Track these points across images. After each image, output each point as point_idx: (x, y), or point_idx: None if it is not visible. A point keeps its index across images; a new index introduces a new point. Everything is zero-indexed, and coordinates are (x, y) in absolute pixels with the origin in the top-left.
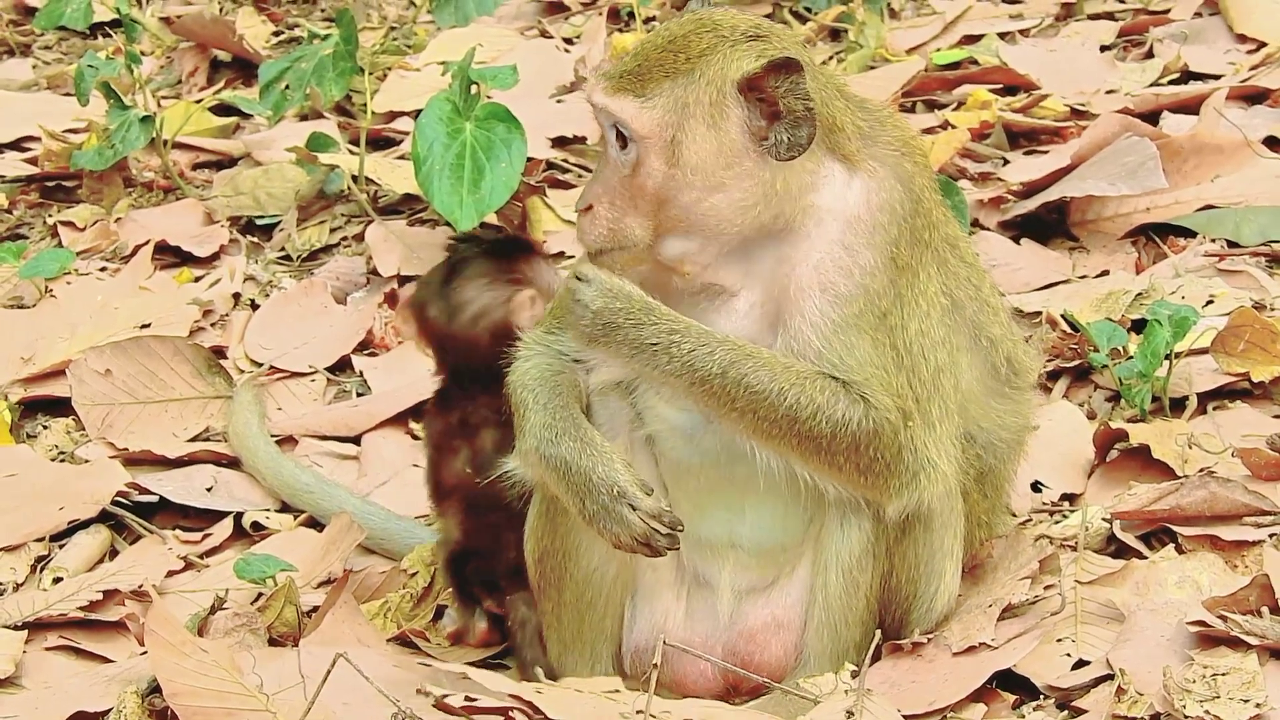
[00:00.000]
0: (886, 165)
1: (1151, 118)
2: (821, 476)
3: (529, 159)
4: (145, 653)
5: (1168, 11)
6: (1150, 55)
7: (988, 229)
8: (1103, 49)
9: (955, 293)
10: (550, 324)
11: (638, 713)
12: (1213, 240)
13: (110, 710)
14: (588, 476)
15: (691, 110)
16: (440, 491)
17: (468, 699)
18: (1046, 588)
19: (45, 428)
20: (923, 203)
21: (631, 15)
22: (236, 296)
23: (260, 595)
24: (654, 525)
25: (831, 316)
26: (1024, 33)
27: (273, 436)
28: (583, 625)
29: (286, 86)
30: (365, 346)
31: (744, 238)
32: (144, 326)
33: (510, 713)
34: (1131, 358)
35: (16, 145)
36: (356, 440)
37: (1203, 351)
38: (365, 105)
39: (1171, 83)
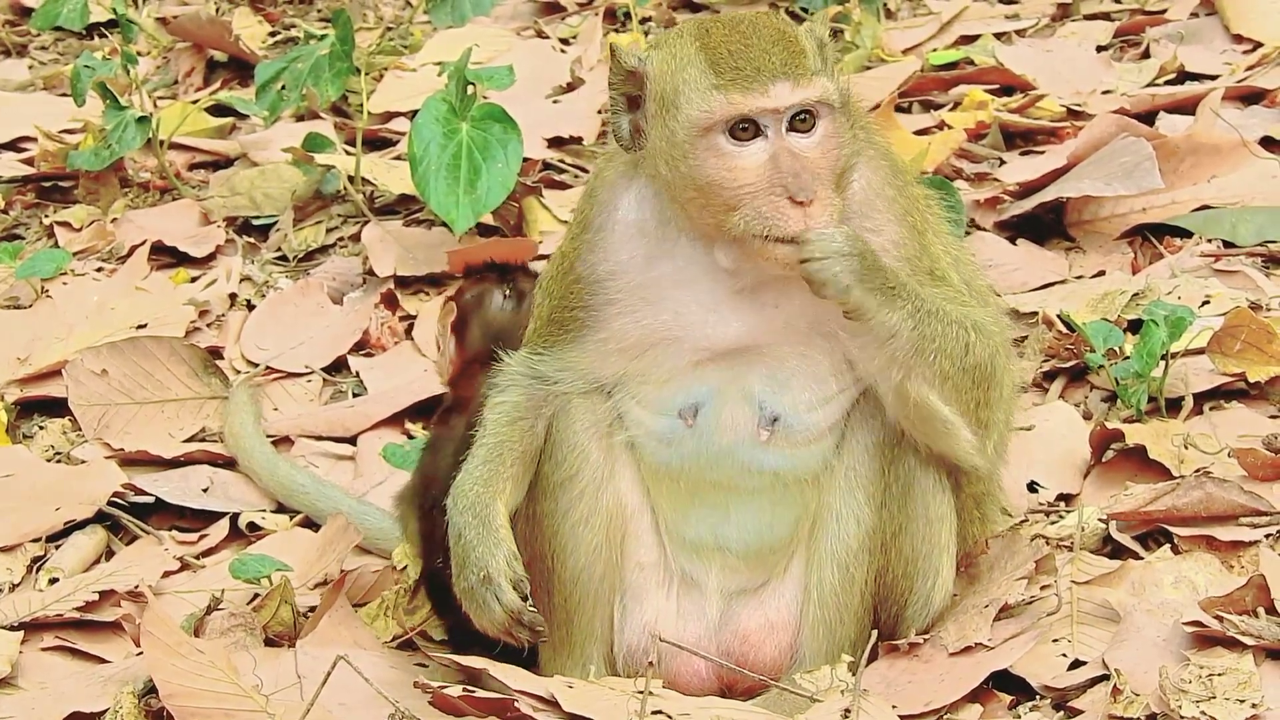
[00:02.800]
0: (877, 146)
1: (1148, 118)
2: (968, 411)
3: (525, 159)
4: (141, 653)
5: (1164, 12)
6: (1146, 55)
7: (984, 229)
8: (1099, 49)
9: (941, 260)
10: (535, 345)
11: (654, 713)
12: (1209, 240)
13: (106, 711)
14: (468, 553)
15: (829, 83)
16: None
17: (466, 691)
18: (1043, 588)
19: (41, 428)
20: (909, 172)
21: (628, 15)
22: (233, 297)
23: (256, 596)
24: (513, 621)
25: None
26: (1020, 33)
27: (269, 437)
28: (572, 627)
29: (283, 87)
30: (361, 347)
31: None
32: (140, 327)
33: (514, 705)
34: (1128, 358)
35: (13, 146)
36: (352, 440)
37: (1199, 352)
38: (361, 106)
39: (1168, 83)
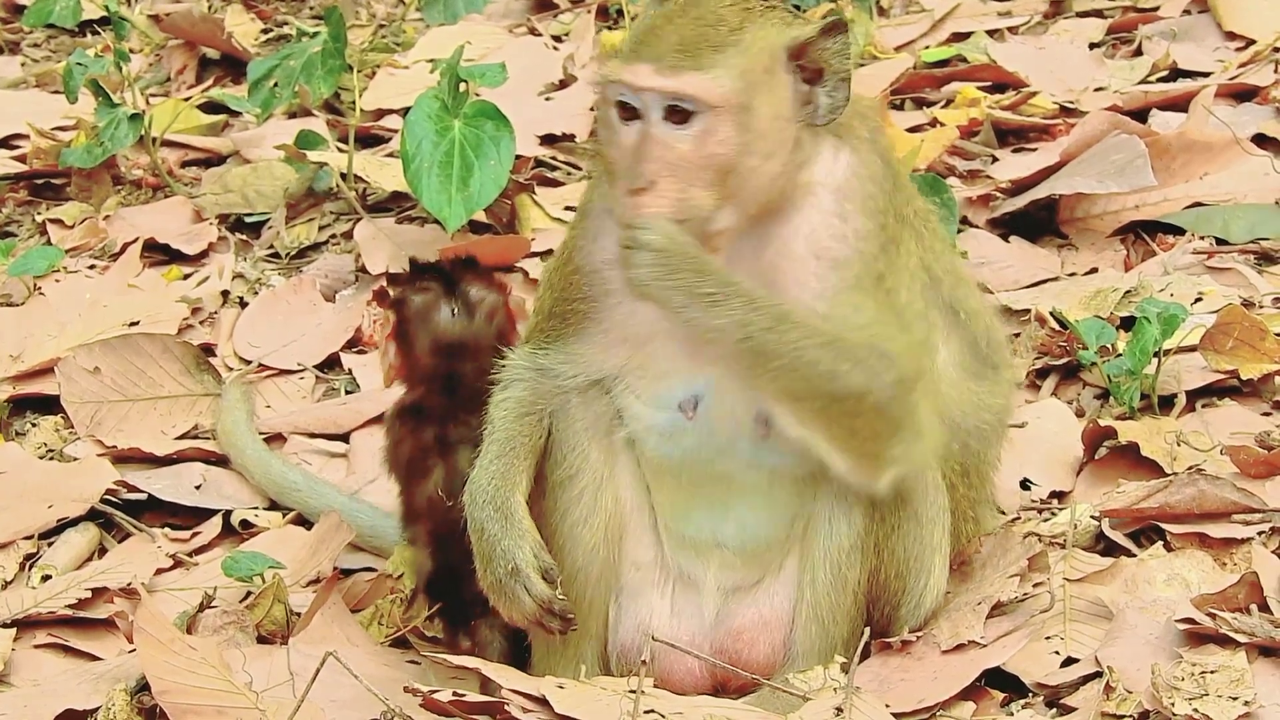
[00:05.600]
0: (866, 140)
1: (1140, 115)
2: (838, 439)
3: (518, 157)
4: (134, 650)
5: (1156, 9)
6: (1139, 53)
7: (977, 227)
8: (1091, 46)
9: (932, 267)
10: (538, 339)
11: (646, 713)
12: (1201, 238)
13: (99, 708)
14: (493, 547)
15: (753, 79)
16: (411, 516)
17: (456, 694)
18: (1035, 585)
19: (34, 425)
20: (900, 176)
21: (620, 13)
22: (225, 294)
23: (249, 594)
24: (544, 611)
25: (832, 281)
26: (1013, 30)
27: (261, 434)
28: None
29: (275, 84)
30: (354, 344)
31: (756, 210)
32: (133, 324)
33: (504, 708)
34: (1120, 355)
35: (5, 143)
36: (345, 438)
37: (1191, 349)
38: (354, 103)
39: (1160, 80)
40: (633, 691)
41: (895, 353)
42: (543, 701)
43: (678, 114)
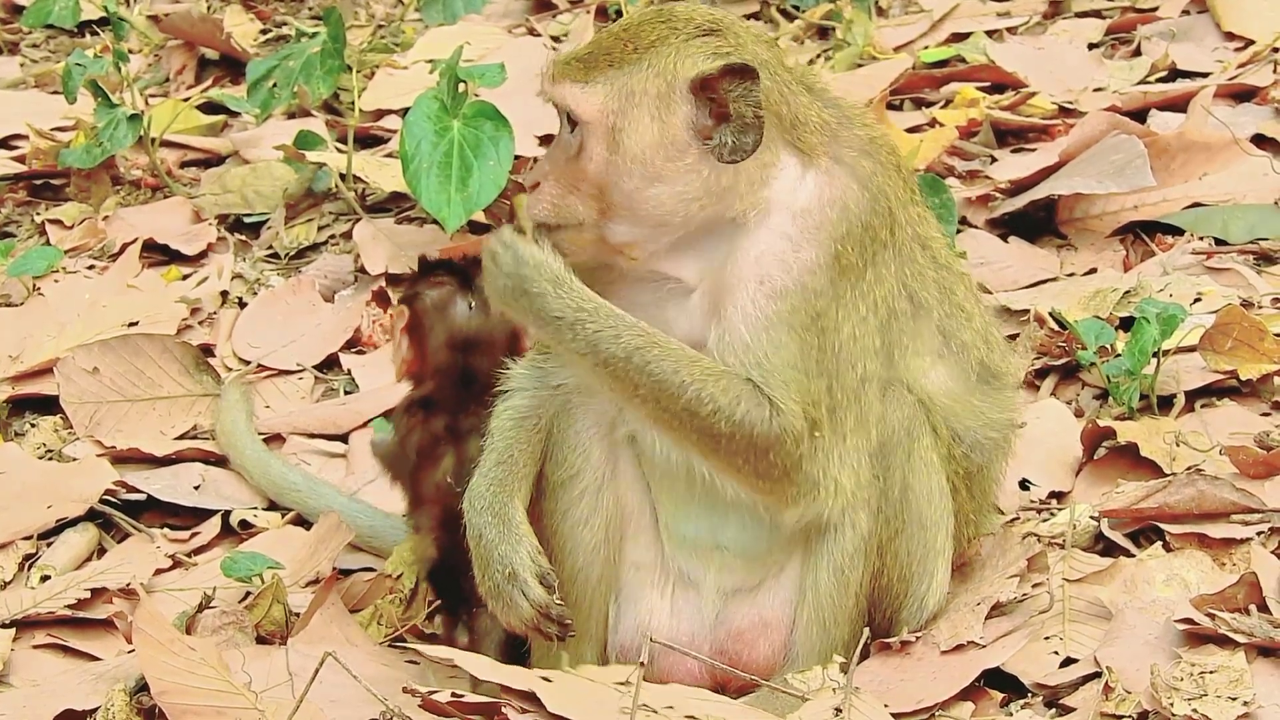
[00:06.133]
0: (844, 163)
1: (1139, 116)
2: (718, 474)
3: (517, 157)
4: (133, 651)
5: (1155, 9)
6: (1138, 53)
7: (976, 227)
8: (1090, 47)
9: (919, 294)
10: (539, 348)
11: (641, 705)
12: (1200, 238)
13: (98, 708)
14: (490, 553)
15: (636, 99)
16: (418, 502)
17: (454, 695)
18: (1034, 586)
19: (33, 426)
20: (880, 200)
21: (619, 13)
22: (224, 294)
23: (248, 594)
24: (541, 616)
25: (765, 309)
26: (1012, 30)
27: (260, 434)
28: None
29: (274, 84)
30: (353, 344)
31: (694, 228)
32: (132, 324)
33: (502, 709)
34: (1119, 355)
35: (4, 143)
36: (344, 438)
37: (1190, 349)
38: (353, 103)
39: (1159, 80)
40: (622, 684)
41: (782, 401)
42: (537, 701)
43: (571, 122)
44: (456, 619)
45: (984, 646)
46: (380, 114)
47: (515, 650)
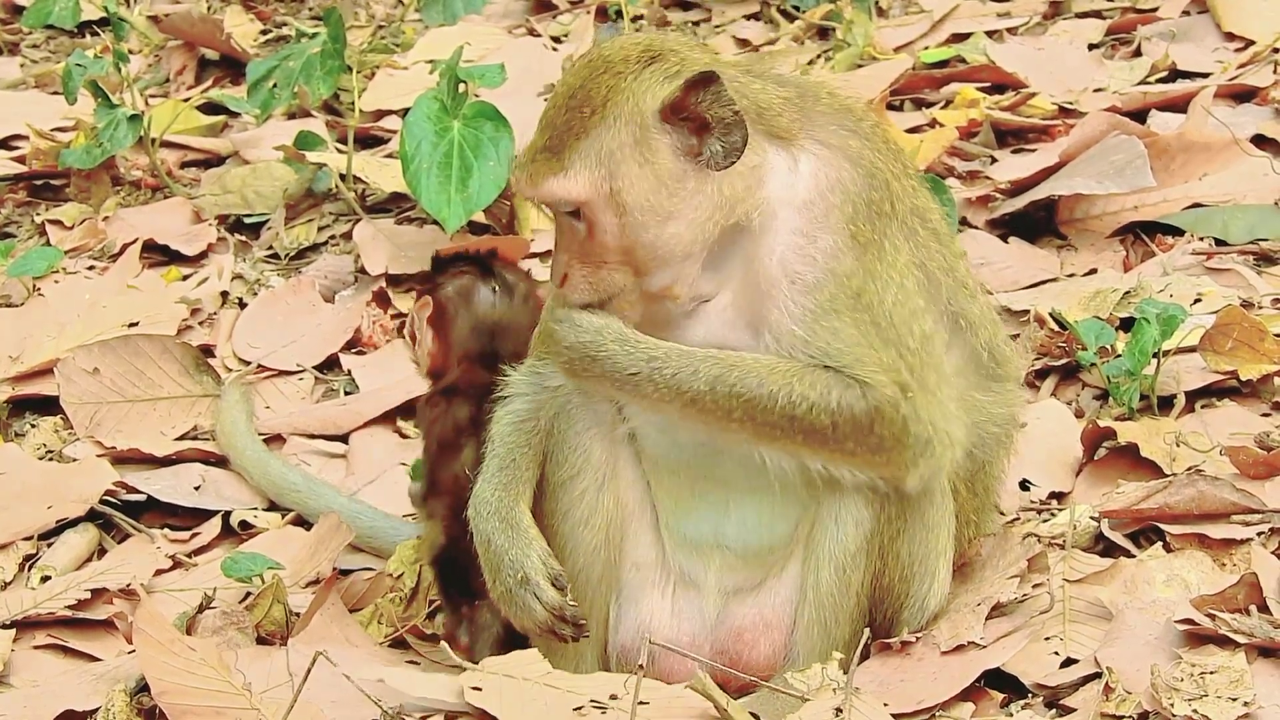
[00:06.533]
0: (831, 145)
1: (1139, 116)
2: (836, 465)
3: (517, 157)
4: (134, 651)
5: (1155, 10)
6: (1138, 53)
7: (976, 227)
8: (1090, 47)
9: (927, 265)
10: (540, 351)
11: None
12: (1201, 238)
13: (99, 709)
14: (501, 558)
15: (618, 157)
16: (434, 490)
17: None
18: (1035, 586)
19: (33, 426)
20: (876, 175)
21: (619, 13)
22: (224, 295)
23: (248, 594)
24: (555, 619)
25: (807, 305)
26: (1012, 31)
27: (260, 435)
28: None
29: (274, 85)
30: (353, 345)
31: (713, 246)
32: (132, 325)
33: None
34: (1119, 356)
35: (4, 144)
36: (344, 439)
37: (1191, 350)
38: (353, 104)
39: (1159, 81)
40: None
41: (866, 377)
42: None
43: (572, 211)
44: (458, 611)
45: (984, 647)
46: (380, 114)
47: (514, 647)
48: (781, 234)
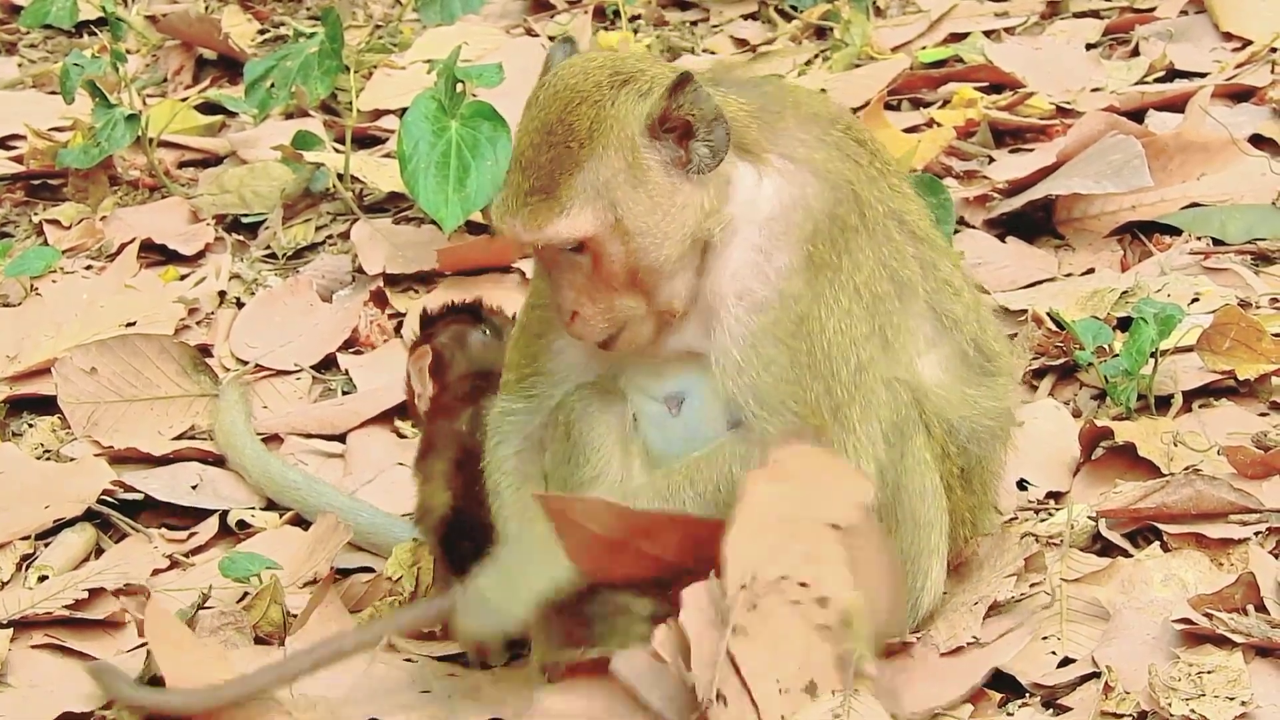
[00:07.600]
0: (795, 159)
1: (1137, 116)
2: None
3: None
4: (133, 651)
5: (1153, 9)
6: (1136, 53)
7: (973, 227)
8: (1088, 47)
9: (900, 273)
10: (514, 388)
11: None
12: (1198, 238)
13: (97, 709)
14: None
15: (614, 185)
16: (429, 451)
17: None
18: (1032, 586)
19: (30, 426)
20: (843, 188)
21: (617, 14)
22: (222, 295)
23: (246, 594)
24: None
25: (750, 325)
26: (1009, 31)
27: (258, 434)
28: None
29: (272, 85)
30: (351, 345)
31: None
32: (129, 324)
33: None
34: (1117, 355)
35: (2, 143)
36: (342, 438)
37: (1188, 349)
38: (351, 103)
39: (1157, 81)
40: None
41: (773, 427)
42: None
43: (572, 249)
44: (463, 573)
45: (985, 646)
46: (378, 114)
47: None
48: (740, 249)
